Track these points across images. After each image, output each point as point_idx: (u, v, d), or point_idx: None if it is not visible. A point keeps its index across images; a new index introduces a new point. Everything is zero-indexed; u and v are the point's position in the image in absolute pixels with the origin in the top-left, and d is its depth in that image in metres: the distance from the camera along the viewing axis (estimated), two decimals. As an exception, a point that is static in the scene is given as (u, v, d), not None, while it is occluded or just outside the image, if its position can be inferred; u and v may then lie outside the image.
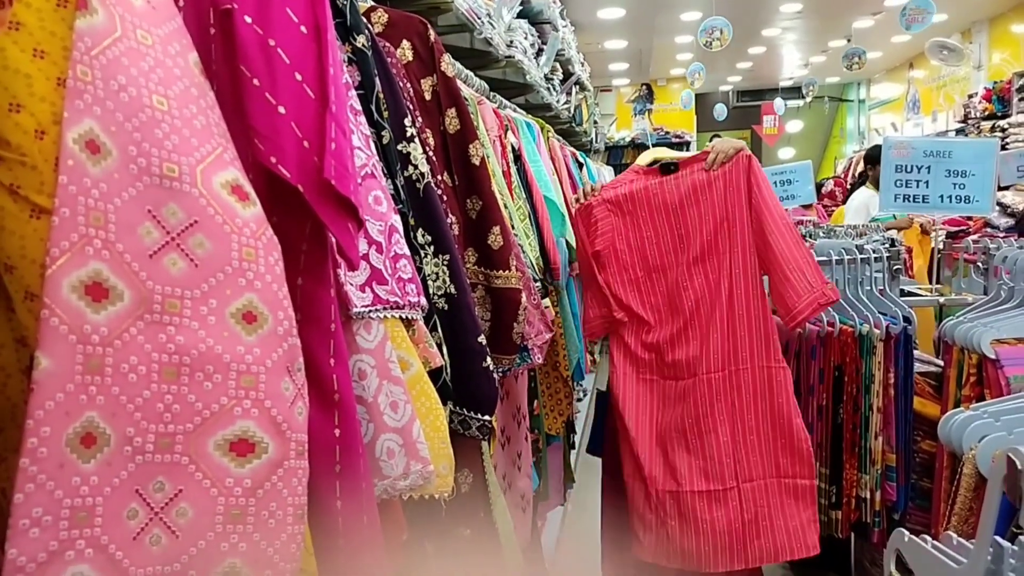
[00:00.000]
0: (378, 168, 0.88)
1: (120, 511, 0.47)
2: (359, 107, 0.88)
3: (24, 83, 0.46)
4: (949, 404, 2.30)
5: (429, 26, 1.31)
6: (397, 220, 0.90)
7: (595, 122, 8.58)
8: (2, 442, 0.49)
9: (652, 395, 2.06)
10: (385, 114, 0.97)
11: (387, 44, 1.21)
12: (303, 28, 0.64)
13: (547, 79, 4.82)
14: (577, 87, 6.19)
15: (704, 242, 1.99)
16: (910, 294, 2.95)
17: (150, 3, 0.53)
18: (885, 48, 10.48)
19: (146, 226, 0.50)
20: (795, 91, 12.43)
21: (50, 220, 0.45)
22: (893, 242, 4.57)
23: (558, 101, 5.26)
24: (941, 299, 2.76)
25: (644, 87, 12.37)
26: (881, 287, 2.71)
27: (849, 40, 9.19)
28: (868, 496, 2.52)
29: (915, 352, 2.71)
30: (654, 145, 11.44)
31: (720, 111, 12.46)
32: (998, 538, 0.80)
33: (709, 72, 10.00)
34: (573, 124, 6.37)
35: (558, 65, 5.25)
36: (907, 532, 0.99)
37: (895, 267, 2.69)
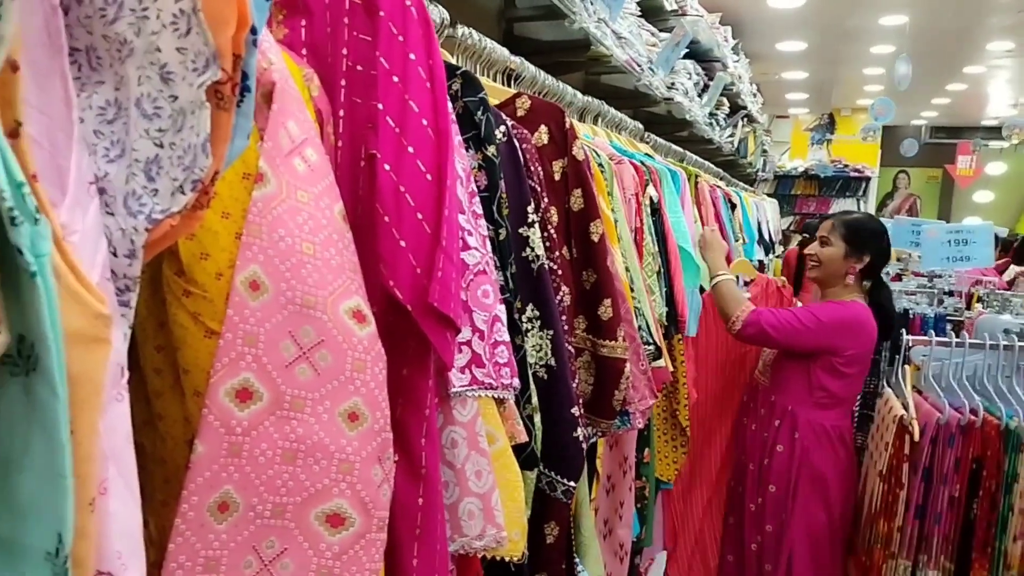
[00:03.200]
0: (491, 264, 1.02)
1: (239, 561, 0.64)
2: (480, 211, 1.02)
3: (212, 238, 0.63)
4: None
5: (565, 113, 1.44)
6: (502, 310, 1.03)
7: (764, 151, 8.32)
8: (168, 490, 0.68)
9: None
10: (505, 212, 1.11)
11: (524, 131, 1.34)
12: (428, 176, 0.78)
13: (711, 115, 4.79)
14: (744, 119, 6.08)
15: None
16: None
17: (310, 167, 0.70)
18: (1114, 92, 9.30)
19: (286, 343, 0.66)
20: (997, 131, 11.31)
21: (217, 341, 0.62)
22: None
23: (721, 136, 5.20)
24: (1112, 404, 2.50)
25: (825, 116, 11.76)
26: (1040, 379, 2.51)
27: (1068, 82, 8.26)
28: (996, 602, 2.36)
29: (1073, 457, 2.48)
30: (827, 178, 10.84)
31: (910, 146, 11.59)
32: None
33: (900, 106, 9.36)
34: (737, 156, 6.25)
35: (725, 100, 5.19)
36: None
37: (1061, 361, 2.48)
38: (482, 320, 1.00)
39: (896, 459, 2.51)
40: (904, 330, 3.13)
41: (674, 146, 3.55)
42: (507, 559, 1.02)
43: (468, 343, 0.99)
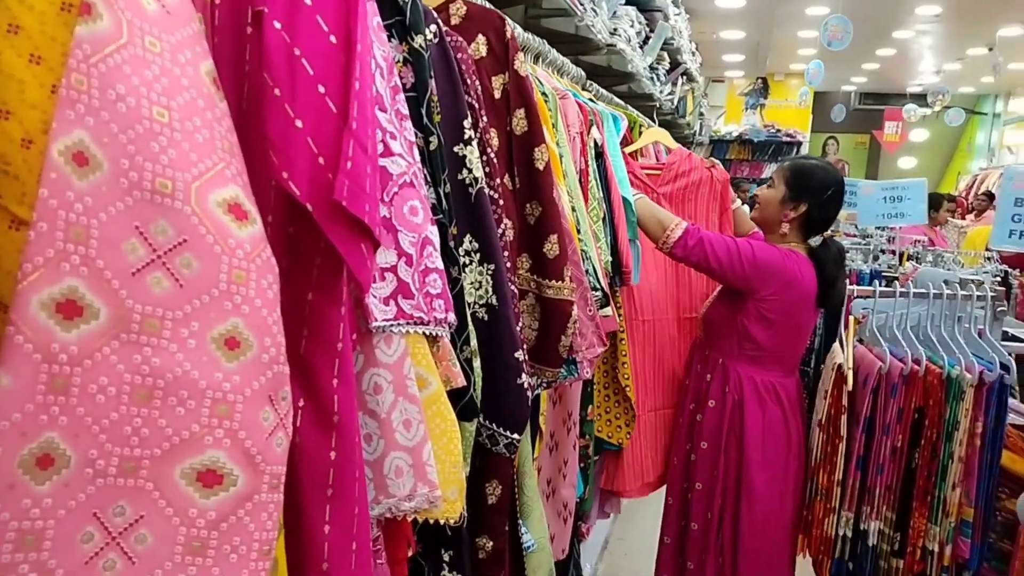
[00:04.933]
0: (419, 176, 0.85)
1: (74, 534, 0.47)
2: (406, 111, 0.85)
3: (16, 89, 0.45)
4: (1042, 466, 2.11)
5: (507, 21, 1.26)
6: (433, 232, 0.86)
7: (701, 114, 8.29)
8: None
9: None
10: (437, 118, 0.94)
11: (460, 39, 1.17)
12: (332, 38, 0.61)
13: (652, 68, 4.67)
14: (684, 78, 5.99)
15: None
16: (1015, 339, 2.71)
17: (165, 7, 0.51)
18: (1031, 60, 9.63)
19: (131, 243, 0.48)
20: (923, 98, 11.64)
21: (27, 233, 0.44)
22: (1006, 276, 4.21)
23: (661, 92, 5.10)
24: (1049, 350, 2.52)
25: (759, 80, 11.85)
26: (981, 327, 2.50)
27: (991, 49, 8.49)
28: (937, 549, 2.35)
29: (1011, 402, 2.50)
30: (760, 143, 10.99)
31: (839, 112, 11.81)
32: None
33: (831, 71, 9.47)
34: (676, 116, 6.18)
35: (665, 55, 5.07)
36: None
37: (998, 307, 2.47)
38: (409, 242, 0.83)
39: (835, 408, 2.48)
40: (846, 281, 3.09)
41: (616, 98, 3.42)
42: (442, 522, 0.87)
43: (393, 269, 0.82)
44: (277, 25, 0.59)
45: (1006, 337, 2.69)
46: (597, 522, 2.96)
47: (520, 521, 1.47)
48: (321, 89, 0.59)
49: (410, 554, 0.92)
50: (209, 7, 0.62)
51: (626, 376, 2.42)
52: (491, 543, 1.22)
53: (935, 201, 5.92)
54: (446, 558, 1.10)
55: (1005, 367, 2.34)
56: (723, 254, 2.14)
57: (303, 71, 0.59)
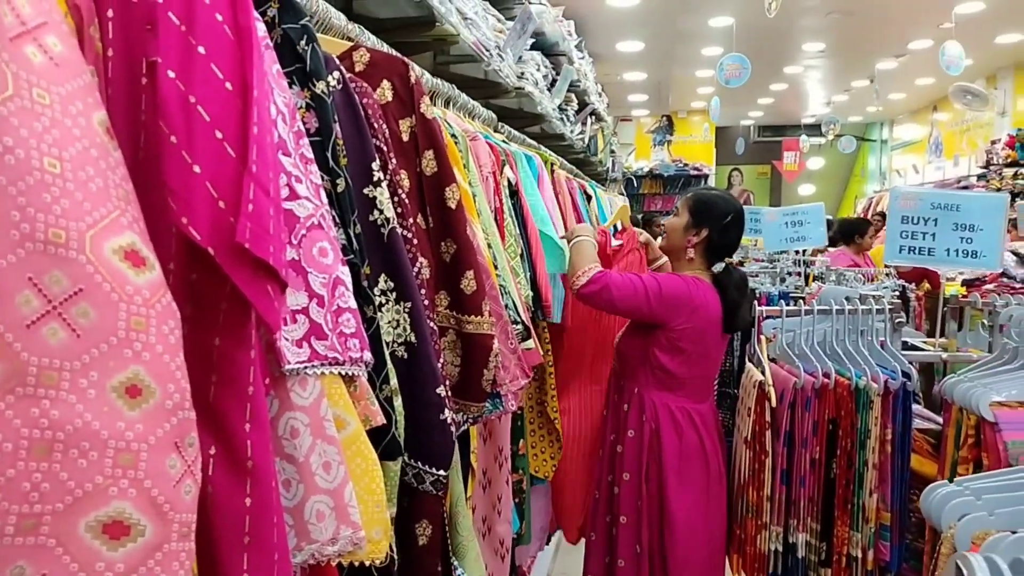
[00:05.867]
0: (327, 218, 0.86)
1: (-34, 601, 0.45)
2: (311, 155, 0.86)
3: None
4: (946, 465, 2.23)
5: (410, 66, 1.30)
6: (344, 272, 0.87)
7: (612, 151, 8.58)
8: None
9: None
10: (343, 161, 0.95)
11: (364, 84, 1.19)
12: (228, 85, 0.62)
13: (561, 109, 4.82)
14: (593, 117, 6.20)
15: None
16: (914, 348, 2.88)
17: (52, 60, 0.52)
18: (909, 90, 10.43)
19: (25, 294, 0.48)
20: (817, 128, 12.38)
21: (-90, 290, 0.43)
22: (904, 290, 4.48)
23: (572, 131, 5.26)
24: (944, 355, 2.69)
25: (664, 118, 12.38)
26: (883, 339, 2.65)
27: (872, 81, 9.15)
28: (860, 555, 2.45)
29: (915, 408, 2.64)
30: (670, 176, 11.42)
31: (740, 145, 12.43)
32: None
33: (730, 107, 10.00)
34: (588, 154, 6.37)
35: (573, 96, 5.25)
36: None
37: (897, 319, 2.63)
38: (320, 283, 0.84)
39: (759, 425, 2.56)
40: (754, 302, 3.23)
41: (528, 139, 3.51)
42: (368, 563, 0.86)
43: (304, 311, 0.82)
44: (171, 74, 0.60)
45: (906, 347, 2.86)
46: (538, 556, 2.94)
47: (456, 562, 1.45)
48: (219, 135, 0.60)
49: (338, 601, 0.90)
50: (102, 59, 0.63)
51: (554, 409, 2.45)
52: (424, 585, 1.21)
53: (860, 227, 6.14)
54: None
55: (907, 375, 2.49)
56: (629, 293, 2.22)
57: (199, 118, 0.60)
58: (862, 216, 9.39)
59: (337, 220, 0.92)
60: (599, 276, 2.21)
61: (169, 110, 0.59)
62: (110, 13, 0.63)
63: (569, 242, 2.32)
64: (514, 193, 2.24)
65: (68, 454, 0.49)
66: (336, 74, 1.04)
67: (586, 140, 5.94)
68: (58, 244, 0.49)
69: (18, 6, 0.50)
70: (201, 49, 0.60)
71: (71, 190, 0.50)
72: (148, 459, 0.51)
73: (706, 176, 11.45)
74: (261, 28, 0.83)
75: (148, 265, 0.53)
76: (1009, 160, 7.43)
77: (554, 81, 4.34)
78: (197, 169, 0.59)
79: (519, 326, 1.67)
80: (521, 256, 2.13)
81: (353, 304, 0.87)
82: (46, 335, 0.49)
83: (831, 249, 6.12)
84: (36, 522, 0.48)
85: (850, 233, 5.99)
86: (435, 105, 2.18)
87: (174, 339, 0.54)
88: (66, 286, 0.49)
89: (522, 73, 3.50)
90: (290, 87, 0.89)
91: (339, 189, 0.93)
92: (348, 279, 0.88)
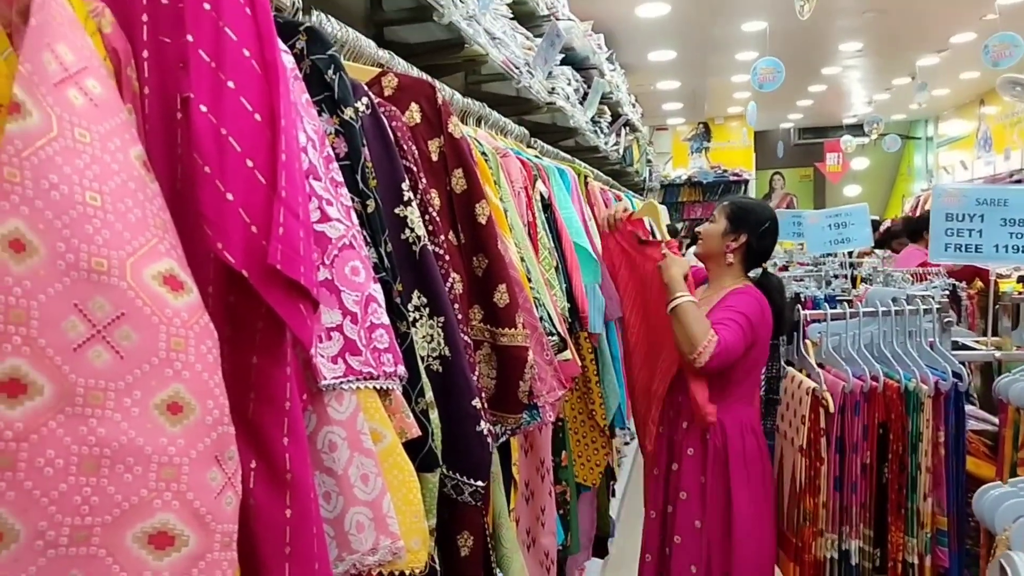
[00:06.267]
0: (358, 238, 0.89)
1: (27, 608, 0.48)
2: (340, 179, 0.89)
3: (-48, 186, 0.48)
4: (1005, 467, 2.16)
5: (436, 88, 1.33)
6: (377, 289, 0.90)
7: (649, 161, 8.55)
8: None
9: None
10: (373, 183, 0.98)
11: (393, 108, 1.23)
12: (257, 116, 0.65)
13: (594, 122, 4.84)
14: (627, 128, 6.20)
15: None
16: (965, 347, 2.80)
17: (92, 101, 0.55)
18: (953, 85, 10.15)
19: (71, 320, 0.51)
20: (860, 128, 12.14)
21: (-31, 320, 0.47)
22: (954, 289, 4.35)
23: (606, 143, 5.27)
24: (997, 353, 2.61)
25: (701, 125, 12.28)
26: (932, 339, 2.58)
27: (914, 78, 8.95)
28: (916, 561, 2.38)
29: (969, 409, 2.56)
30: (709, 184, 11.30)
31: (780, 149, 12.24)
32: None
33: (768, 111, 9.88)
34: (623, 165, 6.36)
35: (606, 108, 5.27)
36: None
37: (946, 319, 2.56)
38: (353, 301, 0.87)
39: (814, 432, 2.52)
40: (799, 306, 3.18)
41: (563, 153, 3.53)
42: (408, 573, 0.88)
43: (339, 328, 0.85)
44: (203, 108, 0.64)
45: (956, 347, 2.78)
46: (587, 572, 2.92)
47: (500, 574, 1.47)
48: (249, 163, 0.64)
49: (381, 611, 0.92)
50: (139, 98, 0.67)
51: (603, 417, 2.45)
52: (467, 596, 1.22)
53: (927, 223, 5.92)
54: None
55: (958, 375, 2.42)
56: (739, 344, 2.15)
57: (231, 148, 0.63)
58: (911, 214, 9.15)
59: (368, 240, 0.95)
60: (719, 350, 2.10)
61: (203, 142, 0.63)
62: (145, 54, 0.67)
63: (669, 304, 2.17)
64: (547, 207, 2.26)
65: (115, 469, 0.52)
66: (365, 100, 1.08)
67: (621, 151, 5.95)
68: (100, 272, 0.52)
69: (61, 54, 0.54)
70: (231, 84, 0.64)
71: (111, 221, 0.53)
72: (190, 472, 0.54)
73: (746, 181, 11.30)
74: (289, 60, 0.87)
75: (186, 289, 0.57)
76: (1063, 151, 7.18)
77: (586, 94, 4.37)
78: (230, 197, 0.62)
79: (555, 338, 1.68)
80: (556, 268, 2.14)
81: (386, 320, 0.90)
82: (91, 358, 0.52)
83: (894, 249, 5.92)
84: (87, 533, 0.51)
85: (918, 231, 5.75)
86: (467, 124, 2.22)
87: (212, 358, 0.57)
88: (109, 311, 0.53)
89: (553, 88, 3.53)
90: (320, 115, 0.93)
91: (369, 210, 0.96)
92: (380, 296, 0.90)
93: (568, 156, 3.60)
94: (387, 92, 1.32)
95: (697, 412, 2.21)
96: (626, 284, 2.57)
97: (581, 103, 4.24)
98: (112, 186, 0.54)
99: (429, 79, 1.36)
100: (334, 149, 0.93)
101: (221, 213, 0.62)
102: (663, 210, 2.81)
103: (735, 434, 2.32)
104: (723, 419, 2.30)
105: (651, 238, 2.56)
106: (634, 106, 6.94)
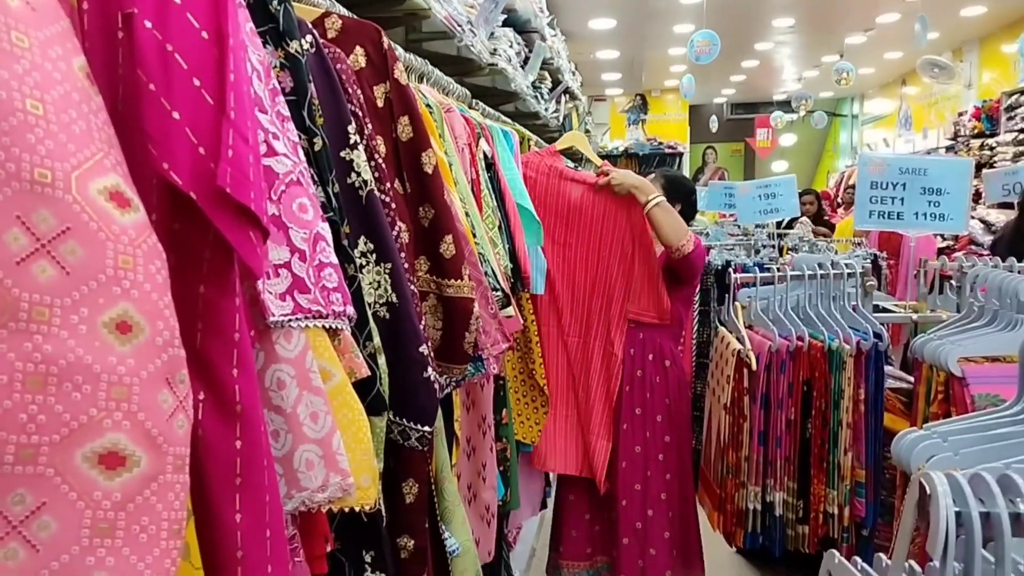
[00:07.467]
0: (306, 175, 0.87)
1: (-30, 526, 0.46)
2: (287, 113, 0.87)
3: None
4: (918, 421, 2.30)
5: (383, 33, 1.31)
6: (325, 228, 0.89)
7: (587, 131, 8.59)
8: None
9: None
10: (319, 121, 0.96)
11: (337, 50, 1.20)
12: (204, 34, 0.63)
13: (535, 87, 4.82)
14: (567, 96, 6.20)
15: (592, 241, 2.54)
16: (885, 310, 2.95)
17: (30, 4, 0.52)
18: (878, 64, 10.53)
19: (13, 232, 0.49)
20: (789, 105, 12.48)
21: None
22: (876, 257, 4.56)
23: (546, 109, 5.26)
24: (914, 316, 2.76)
25: (638, 97, 12.40)
26: (854, 303, 2.70)
27: (841, 56, 9.23)
28: (836, 512, 2.52)
29: (887, 369, 2.71)
30: (645, 155, 11.47)
31: (713, 123, 12.48)
32: (910, 562, 0.80)
33: (703, 85, 10.02)
34: (563, 132, 6.37)
35: (547, 74, 5.25)
36: (838, 554, 0.98)
37: (868, 283, 2.69)
38: (301, 238, 0.85)
39: (738, 391, 2.62)
40: (730, 270, 3.28)
41: (504, 117, 3.51)
42: (358, 510, 0.89)
43: (287, 265, 0.84)
44: (148, 24, 0.61)
45: (877, 310, 2.92)
46: (523, 530, 2.98)
47: (443, 526, 1.48)
48: (196, 82, 0.61)
49: (328, 549, 0.92)
50: (76, 12, 0.63)
51: (542, 376, 2.48)
52: (412, 542, 1.23)
53: None
54: (368, 559, 1.10)
55: (878, 336, 2.55)
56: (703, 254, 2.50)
57: (177, 65, 0.61)
58: (834, 190, 9.50)
59: (316, 178, 0.93)
60: (697, 241, 2.43)
61: (147, 58, 0.60)
62: (83, -34, 0.63)
63: (650, 203, 2.41)
64: (490, 166, 2.25)
65: (62, 387, 0.50)
66: (309, 37, 1.05)
67: (560, 119, 5.95)
68: (44, 184, 0.50)
69: (-7, -49, 0.50)
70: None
71: (55, 131, 0.51)
72: (140, 393, 0.53)
73: (680, 154, 11.49)
74: (234, -14, 0.83)
75: (133, 206, 0.55)
76: (976, 131, 7.56)
77: (527, 59, 4.34)
78: (176, 116, 0.60)
79: (499, 293, 1.69)
80: (499, 228, 2.15)
81: (334, 259, 0.89)
82: (36, 272, 0.50)
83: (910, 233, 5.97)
84: (34, 452, 0.49)
85: None
86: (409, 80, 2.18)
87: (161, 278, 0.55)
88: (53, 225, 0.50)
89: (495, 50, 3.49)
90: (264, 46, 0.90)
91: (316, 148, 0.94)
92: (328, 235, 0.89)
93: (509, 121, 3.58)
94: (331, 34, 1.29)
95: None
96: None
97: (522, 67, 4.21)
98: (55, 96, 0.52)
99: (374, 24, 1.33)
100: (279, 83, 0.91)
101: (167, 132, 0.60)
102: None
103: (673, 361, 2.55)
104: (666, 348, 2.52)
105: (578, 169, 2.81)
106: (574, 74, 6.94)
